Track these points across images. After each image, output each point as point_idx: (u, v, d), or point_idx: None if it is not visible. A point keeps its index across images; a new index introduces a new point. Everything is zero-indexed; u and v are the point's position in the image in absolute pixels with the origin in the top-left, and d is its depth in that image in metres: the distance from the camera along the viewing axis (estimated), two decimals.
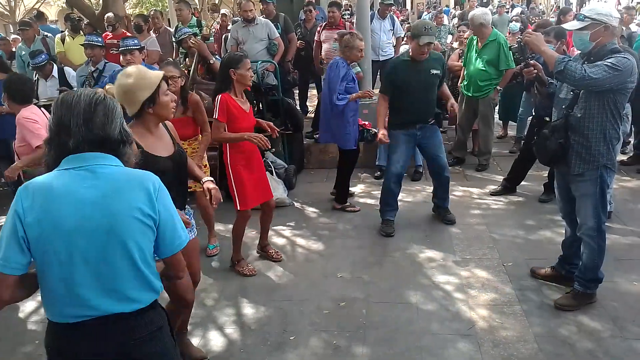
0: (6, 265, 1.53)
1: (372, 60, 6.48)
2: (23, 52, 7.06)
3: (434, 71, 4.22)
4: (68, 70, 5.56)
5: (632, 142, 6.07)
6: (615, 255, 3.78)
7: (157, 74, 2.38)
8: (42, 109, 3.98)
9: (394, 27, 7.58)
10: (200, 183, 2.65)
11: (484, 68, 5.51)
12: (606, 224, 3.22)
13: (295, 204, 5.25)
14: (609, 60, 2.81)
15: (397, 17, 12.31)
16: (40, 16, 9.63)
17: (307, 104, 7.63)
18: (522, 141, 5.72)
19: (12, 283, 1.56)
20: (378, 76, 6.87)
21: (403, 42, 7.58)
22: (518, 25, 7.50)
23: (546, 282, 3.55)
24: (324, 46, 6.51)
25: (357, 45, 4.56)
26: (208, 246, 4.25)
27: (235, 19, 7.33)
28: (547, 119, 3.36)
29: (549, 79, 3.23)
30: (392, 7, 8.25)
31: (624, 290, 3.42)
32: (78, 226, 1.55)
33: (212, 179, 2.68)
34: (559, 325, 3.10)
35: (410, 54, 4.19)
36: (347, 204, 5.01)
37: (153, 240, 1.66)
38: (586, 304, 3.25)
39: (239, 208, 3.74)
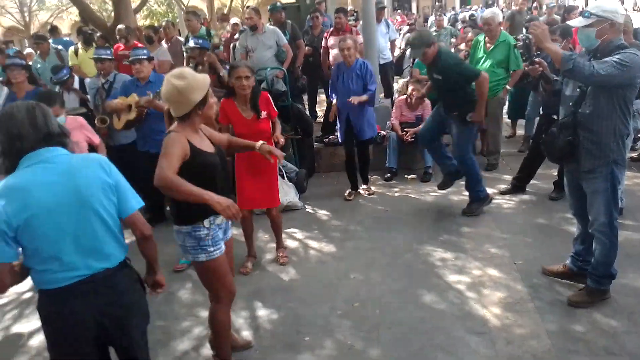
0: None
1: None
2: (38, 65, 7.22)
3: (436, 76, 4.48)
4: (86, 80, 5.68)
5: None
6: (628, 252, 3.77)
7: (205, 77, 2.53)
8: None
9: (388, 31, 7.71)
10: (256, 147, 2.92)
11: (493, 69, 5.53)
12: (618, 220, 3.22)
13: (307, 207, 5.30)
14: (616, 57, 2.81)
15: (403, 23, 12.30)
16: (54, 31, 9.85)
17: (316, 108, 7.69)
18: (531, 140, 5.72)
19: (9, 269, 1.90)
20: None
21: (406, 47, 7.67)
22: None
23: (558, 279, 3.55)
24: (332, 52, 6.57)
25: (340, 46, 5.00)
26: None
27: (244, 27, 7.42)
28: (555, 117, 3.37)
29: (554, 76, 3.25)
30: (398, 11, 8.30)
31: (638, 286, 3.41)
32: (55, 205, 1.88)
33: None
34: (573, 322, 3.10)
35: None
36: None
37: (116, 203, 2.01)
38: (600, 300, 3.24)
39: None
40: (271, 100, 3.97)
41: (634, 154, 5.80)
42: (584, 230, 3.35)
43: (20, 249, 1.91)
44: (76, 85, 5.47)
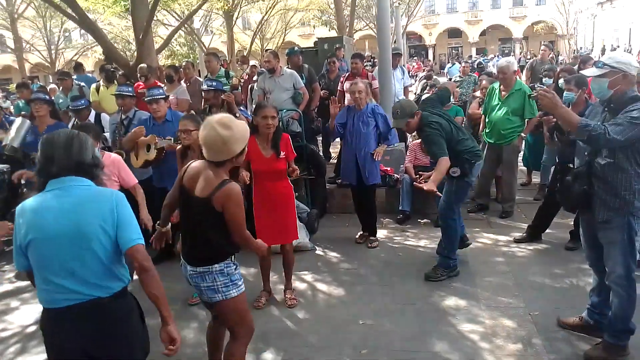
0: (16, 265, 2.16)
1: None
2: (61, 100, 7.43)
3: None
4: (104, 116, 5.81)
5: None
6: None
7: (246, 128, 2.60)
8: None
9: (403, 76, 7.85)
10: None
11: (507, 117, 5.56)
12: (636, 272, 3.13)
13: (317, 248, 5.25)
14: (630, 114, 2.79)
15: (419, 69, 12.53)
16: (79, 67, 10.18)
17: (330, 150, 7.75)
18: (546, 188, 5.67)
19: (29, 275, 2.16)
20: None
21: (421, 93, 7.81)
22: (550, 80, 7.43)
23: (575, 332, 3.43)
24: (347, 96, 6.67)
25: (351, 89, 5.04)
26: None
27: (262, 70, 7.61)
28: (571, 165, 3.34)
29: None
30: (415, 59, 8.50)
31: None
32: (58, 233, 2.03)
33: None
34: None
35: None
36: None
37: (115, 240, 2.09)
38: (618, 357, 3.11)
39: None
40: (290, 143, 4.05)
41: None
42: (600, 281, 3.26)
43: None
44: (91, 119, 5.59)
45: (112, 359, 2.14)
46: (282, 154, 3.93)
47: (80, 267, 2.05)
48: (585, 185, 3.04)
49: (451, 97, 6.52)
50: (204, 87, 5.35)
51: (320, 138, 7.61)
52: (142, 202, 3.90)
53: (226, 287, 2.63)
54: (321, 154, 6.64)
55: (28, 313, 4.25)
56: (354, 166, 5.10)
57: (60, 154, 2.07)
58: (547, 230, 5.13)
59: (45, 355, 3.38)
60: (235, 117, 5.24)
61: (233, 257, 2.70)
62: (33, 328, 3.98)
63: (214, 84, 5.15)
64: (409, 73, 10.21)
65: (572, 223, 4.89)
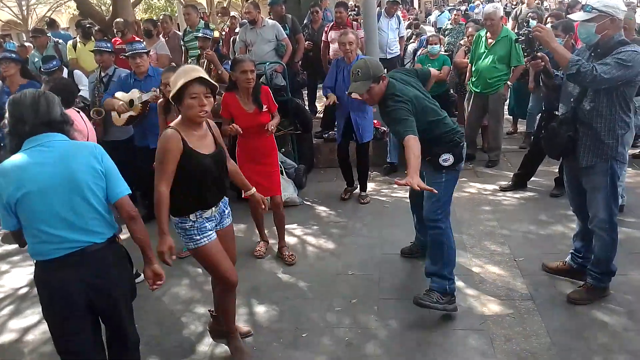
0: (4, 225, 2.17)
1: (380, 59, 6.48)
2: (36, 59, 7.17)
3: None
4: (77, 73, 5.62)
5: None
6: (629, 249, 3.75)
7: (191, 75, 2.48)
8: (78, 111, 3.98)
9: (399, 26, 7.63)
10: (252, 192, 3.07)
11: (494, 65, 5.50)
12: (619, 217, 3.20)
13: (306, 203, 5.27)
14: (618, 56, 2.78)
15: (404, 18, 12.30)
16: (52, 24, 9.79)
17: (316, 104, 7.65)
18: (532, 136, 5.69)
19: (18, 234, 2.20)
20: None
21: (407, 42, 7.63)
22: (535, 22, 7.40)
23: (559, 276, 3.53)
24: (332, 46, 6.53)
25: (340, 40, 4.77)
26: None
27: (243, 21, 7.37)
28: (557, 112, 3.34)
29: (554, 71, 3.22)
30: (400, 6, 8.30)
31: (638, 284, 3.39)
32: (47, 186, 2.08)
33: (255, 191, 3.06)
34: (572, 319, 3.09)
35: None
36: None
37: (104, 188, 2.19)
38: (600, 297, 3.23)
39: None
40: (271, 94, 3.97)
41: (635, 151, 5.78)
42: (583, 227, 3.33)
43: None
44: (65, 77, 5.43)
45: (109, 300, 2.26)
46: (264, 107, 3.87)
47: (75, 215, 2.13)
48: (570, 132, 3.06)
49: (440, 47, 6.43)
50: (200, 34, 5.41)
51: (306, 92, 7.49)
52: None
53: (184, 239, 2.70)
54: (307, 108, 6.54)
55: (19, 276, 4.26)
56: (344, 123, 4.97)
57: (29, 114, 2.12)
58: (533, 178, 5.19)
59: (39, 317, 3.45)
60: (219, 73, 5.18)
61: (194, 215, 2.63)
62: (25, 290, 4.00)
63: (208, 32, 5.29)
64: None
65: (557, 170, 4.95)
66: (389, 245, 4.21)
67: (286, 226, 4.46)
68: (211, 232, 2.72)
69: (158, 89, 4.28)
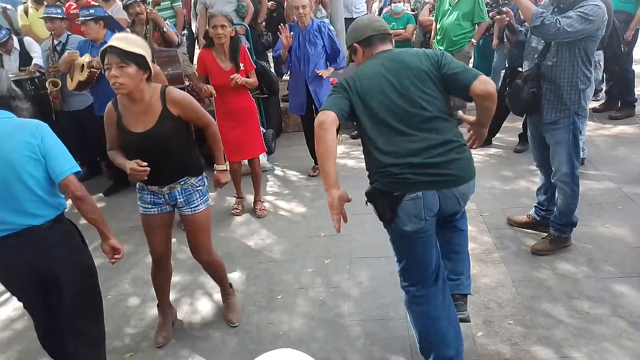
0: None
1: (345, 18, 6.38)
2: None
3: None
4: (27, 40, 5.33)
5: (603, 89, 6.15)
6: (589, 200, 3.90)
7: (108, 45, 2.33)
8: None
9: None
10: (221, 168, 2.82)
11: (458, 22, 5.48)
12: (579, 169, 3.30)
13: (276, 168, 5.25)
14: (580, 10, 2.80)
15: None
16: None
17: (282, 66, 7.50)
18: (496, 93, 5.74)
19: None
20: None
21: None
22: None
23: (523, 229, 3.65)
24: None
25: (293, 3, 4.51)
26: None
27: None
28: (520, 69, 3.38)
29: (518, 26, 3.23)
30: None
31: (597, 233, 3.54)
32: None
33: (225, 168, 2.84)
34: (536, 269, 3.21)
35: None
36: None
37: (45, 169, 2.10)
38: (562, 247, 3.36)
39: None
40: (249, 54, 3.92)
41: (595, 105, 5.93)
42: (546, 180, 3.43)
43: None
44: (16, 46, 5.17)
45: (56, 282, 2.23)
46: (242, 66, 3.82)
47: (11, 198, 2.06)
48: (534, 88, 3.10)
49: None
50: (44, 15, 4.81)
51: (271, 54, 7.32)
52: None
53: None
54: (272, 70, 6.42)
55: None
56: (304, 92, 4.68)
57: None
58: (497, 135, 5.28)
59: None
60: (164, 32, 4.95)
61: (139, 183, 2.66)
62: None
63: (52, 10, 4.79)
64: None
65: (521, 126, 5.04)
66: (359, 205, 4.23)
67: None
68: (150, 206, 2.66)
69: None
